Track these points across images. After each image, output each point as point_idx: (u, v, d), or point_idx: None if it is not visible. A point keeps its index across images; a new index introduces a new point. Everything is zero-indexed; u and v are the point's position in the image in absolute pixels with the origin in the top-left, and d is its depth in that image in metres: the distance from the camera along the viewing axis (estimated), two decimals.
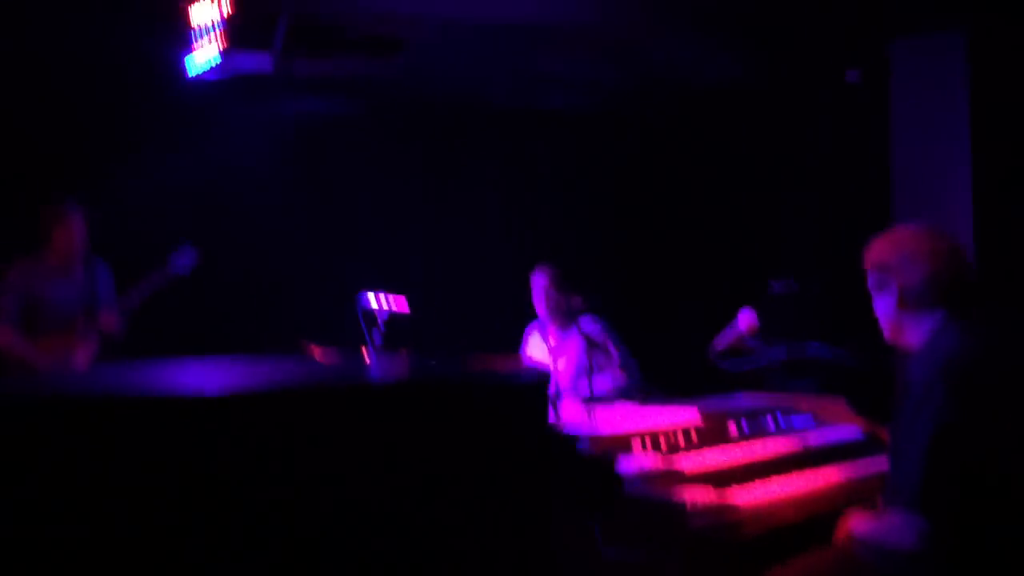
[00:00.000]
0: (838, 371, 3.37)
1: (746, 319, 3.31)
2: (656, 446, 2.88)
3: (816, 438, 3.18)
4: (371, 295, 4.57)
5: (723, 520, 2.46)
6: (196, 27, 4.76)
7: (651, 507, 2.40)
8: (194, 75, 4.87)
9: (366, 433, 1.95)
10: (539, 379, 1.59)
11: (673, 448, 2.91)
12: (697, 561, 2.36)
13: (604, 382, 4.58)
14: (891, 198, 5.03)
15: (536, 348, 4.93)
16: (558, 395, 4.28)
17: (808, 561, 2.44)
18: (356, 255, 6.20)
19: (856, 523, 2.38)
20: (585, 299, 4.89)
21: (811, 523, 2.64)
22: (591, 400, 3.94)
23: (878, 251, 2.47)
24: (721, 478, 2.74)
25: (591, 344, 4.52)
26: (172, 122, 5.55)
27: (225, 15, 4.61)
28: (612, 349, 4.75)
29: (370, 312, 4.54)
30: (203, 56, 4.85)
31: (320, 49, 5.19)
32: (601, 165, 6.56)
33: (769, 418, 3.26)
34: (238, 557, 1.86)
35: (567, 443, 2.58)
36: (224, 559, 1.87)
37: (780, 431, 3.21)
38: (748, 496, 2.65)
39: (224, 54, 4.82)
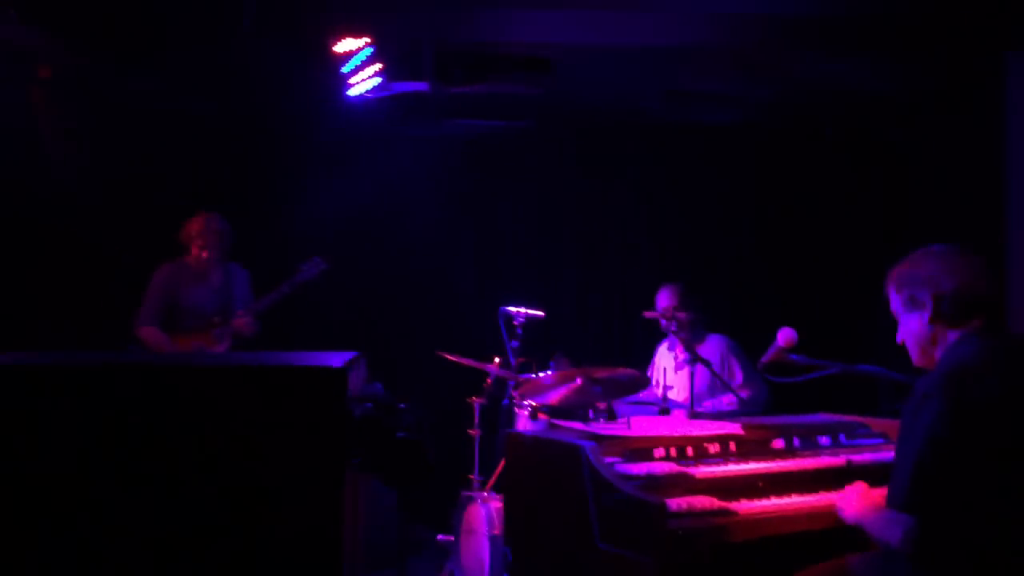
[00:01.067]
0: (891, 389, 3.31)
1: (785, 335, 3.33)
2: (682, 454, 3.00)
3: (865, 457, 3.14)
4: (512, 308, 4.91)
5: (707, 524, 2.56)
6: (357, 55, 5.32)
7: (636, 506, 2.55)
8: (354, 96, 5.44)
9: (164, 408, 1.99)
10: (340, 366, 1.70)
11: (701, 457, 3.01)
12: (673, 560, 2.48)
13: (726, 399, 4.68)
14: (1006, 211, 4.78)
15: (665, 361, 5.05)
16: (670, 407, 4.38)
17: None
18: (504, 269, 6.58)
19: (851, 508, 2.51)
20: (709, 317, 5.01)
21: (814, 538, 2.67)
22: (695, 414, 4.10)
23: (910, 268, 2.54)
24: (732, 488, 2.84)
25: (716, 361, 4.67)
26: (334, 142, 6.17)
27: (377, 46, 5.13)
28: (737, 368, 4.80)
29: (511, 324, 4.89)
30: (364, 81, 5.41)
31: (473, 72, 5.60)
32: (744, 177, 6.56)
33: (825, 437, 3.25)
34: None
35: (571, 450, 2.77)
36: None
37: (832, 448, 3.21)
38: (751, 506, 2.72)
39: (384, 78, 5.36)
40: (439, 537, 5.14)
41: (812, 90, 5.63)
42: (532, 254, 6.64)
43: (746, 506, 2.75)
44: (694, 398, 4.28)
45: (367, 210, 6.26)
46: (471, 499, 4.57)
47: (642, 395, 4.83)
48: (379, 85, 5.42)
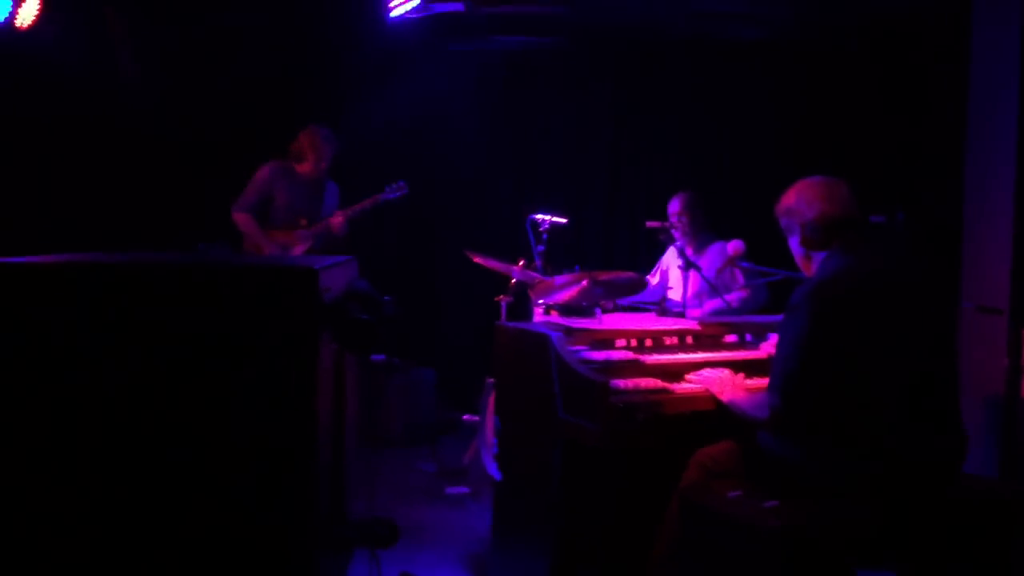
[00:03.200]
0: None
1: (733, 245, 3.89)
2: (641, 345, 3.65)
3: None
4: (539, 216, 5.51)
5: (645, 399, 3.23)
6: None
7: (587, 384, 3.22)
8: (397, 16, 6.03)
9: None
10: (316, 268, 2.18)
11: (657, 348, 3.66)
12: (614, 427, 3.14)
13: (717, 302, 5.23)
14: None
15: (671, 263, 5.61)
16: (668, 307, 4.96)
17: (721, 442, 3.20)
18: (537, 178, 7.18)
19: (726, 392, 3.21)
20: (713, 224, 5.54)
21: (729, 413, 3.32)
22: (672, 314, 4.69)
23: (784, 200, 3.18)
24: (678, 373, 3.49)
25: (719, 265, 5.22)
26: (379, 59, 6.77)
27: None
28: (738, 273, 5.35)
29: (538, 230, 5.48)
30: (404, 2, 6.00)
31: None
32: (768, 92, 6.97)
33: (776, 333, 3.85)
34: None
35: (542, 339, 3.44)
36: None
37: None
38: (686, 387, 3.38)
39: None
40: (465, 417, 5.89)
41: (825, 9, 6.01)
42: (563, 165, 7.22)
43: (683, 387, 3.40)
44: (687, 300, 4.87)
45: (411, 122, 6.90)
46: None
47: (647, 295, 5.47)
48: (418, 6, 6.02)
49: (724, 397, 3.21)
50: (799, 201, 3.10)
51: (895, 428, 2.86)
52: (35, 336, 2.18)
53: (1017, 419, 4.37)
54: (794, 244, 3.17)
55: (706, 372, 3.42)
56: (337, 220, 5.73)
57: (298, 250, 5.78)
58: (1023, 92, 4.68)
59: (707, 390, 3.34)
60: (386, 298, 2.66)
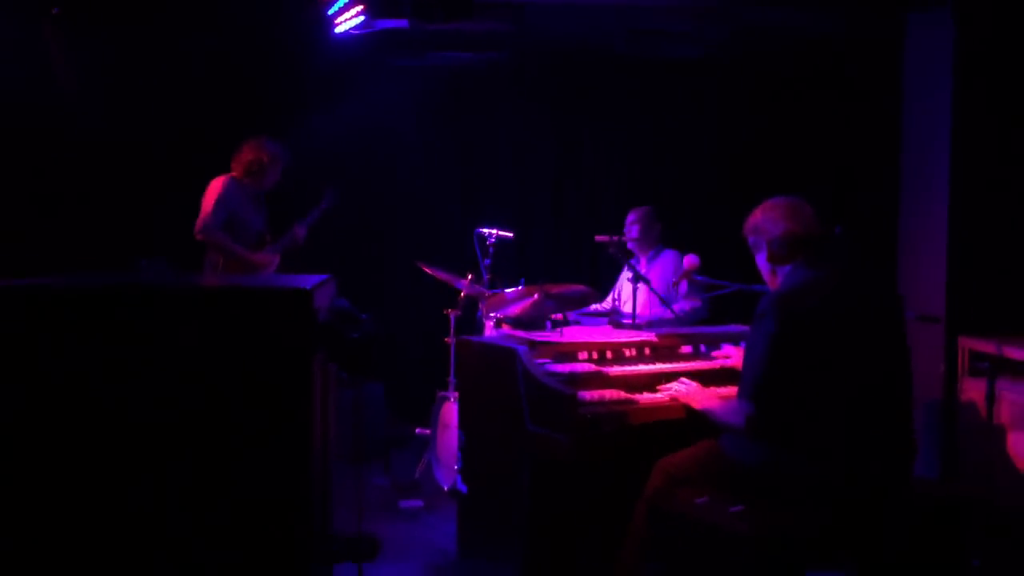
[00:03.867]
0: None
1: (688, 260, 4.06)
2: (602, 357, 3.77)
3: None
4: (486, 230, 5.60)
5: (610, 410, 3.34)
6: None
7: (556, 397, 3.32)
8: (339, 33, 6.07)
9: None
10: (309, 288, 2.25)
11: (618, 360, 3.78)
12: (582, 437, 3.25)
13: (673, 311, 5.40)
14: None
15: (623, 276, 5.76)
16: (618, 318, 5.09)
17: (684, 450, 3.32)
18: (482, 193, 7.29)
19: (698, 400, 3.36)
20: (663, 237, 5.71)
21: (693, 421, 3.45)
22: (622, 324, 4.82)
23: (751, 219, 3.35)
24: (639, 384, 3.61)
25: (669, 274, 5.38)
26: (324, 75, 6.80)
27: None
28: (684, 283, 5.51)
29: (484, 243, 5.57)
30: (348, 19, 6.04)
31: (448, 11, 6.22)
32: (706, 106, 7.22)
33: (729, 344, 4.00)
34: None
35: (509, 352, 3.53)
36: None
37: (729, 354, 3.96)
38: (650, 397, 3.50)
39: (367, 17, 5.99)
40: (417, 431, 5.94)
41: (761, 31, 6.27)
42: (508, 179, 7.33)
43: (647, 397, 3.52)
44: (636, 311, 5.01)
45: (357, 137, 6.93)
46: (446, 398, 5.32)
47: (599, 307, 5.61)
48: (362, 23, 6.06)
49: (698, 406, 3.34)
50: (765, 220, 3.27)
51: (854, 434, 3.02)
52: (24, 360, 2.18)
53: (955, 423, 4.61)
54: (761, 260, 3.34)
55: (675, 385, 3.55)
56: (301, 232, 5.69)
57: (272, 266, 5.65)
58: (956, 103, 4.93)
59: (673, 400, 3.48)
60: (363, 316, 2.72)
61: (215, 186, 5.37)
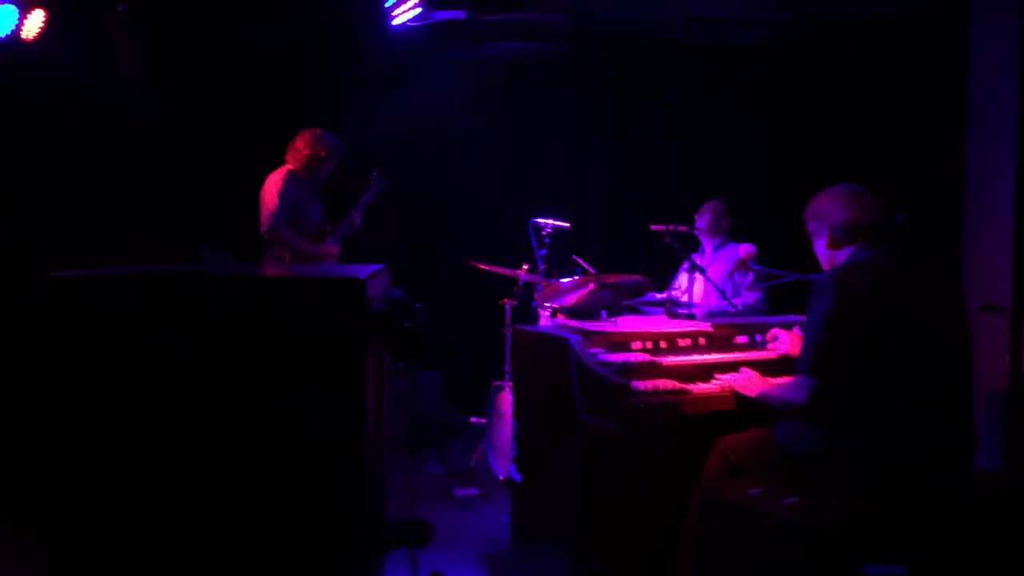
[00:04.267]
0: None
1: (744, 249, 4.02)
2: (656, 347, 3.76)
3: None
4: (542, 220, 5.61)
5: (664, 400, 3.33)
6: None
7: (608, 386, 3.32)
8: (397, 24, 6.12)
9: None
10: (363, 277, 2.29)
11: (672, 350, 3.77)
12: (635, 427, 3.25)
13: (723, 304, 5.36)
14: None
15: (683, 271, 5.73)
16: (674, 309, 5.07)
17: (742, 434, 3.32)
18: (538, 184, 7.29)
19: (753, 388, 3.36)
20: (737, 226, 5.68)
21: (750, 411, 3.44)
22: (677, 315, 4.79)
23: (813, 205, 3.36)
24: (692, 374, 3.60)
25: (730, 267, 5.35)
26: (378, 67, 6.85)
27: None
28: (749, 276, 5.47)
29: (540, 234, 5.58)
30: (405, 10, 6.10)
31: (505, 4, 6.25)
32: (766, 93, 7.12)
33: (779, 328, 3.97)
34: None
35: (562, 342, 3.54)
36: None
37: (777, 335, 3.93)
38: (704, 387, 3.49)
39: (424, 8, 6.04)
40: (473, 420, 5.99)
41: (822, 14, 6.17)
42: (564, 169, 7.33)
43: (700, 387, 3.51)
44: (692, 301, 4.98)
45: (413, 128, 6.97)
46: (501, 388, 5.36)
47: (657, 296, 5.59)
48: (420, 14, 6.11)
49: (753, 393, 3.34)
50: (828, 206, 3.28)
51: (911, 421, 2.99)
52: (94, 348, 2.25)
53: (1020, 415, 4.50)
54: (820, 246, 3.33)
55: (731, 375, 3.55)
56: (357, 218, 5.73)
57: (335, 256, 5.70)
58: (1023, 89, 4.81)
59: (728, 388, 3.48)
60: (417, 305, 2.75)
61: (274, 182, 5.44)
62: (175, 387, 2.26)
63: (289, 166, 5.54)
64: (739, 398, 3.42)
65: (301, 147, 5.55)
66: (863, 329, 3.00)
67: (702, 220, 5.61)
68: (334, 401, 2.23)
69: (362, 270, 2.56)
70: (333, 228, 5.65)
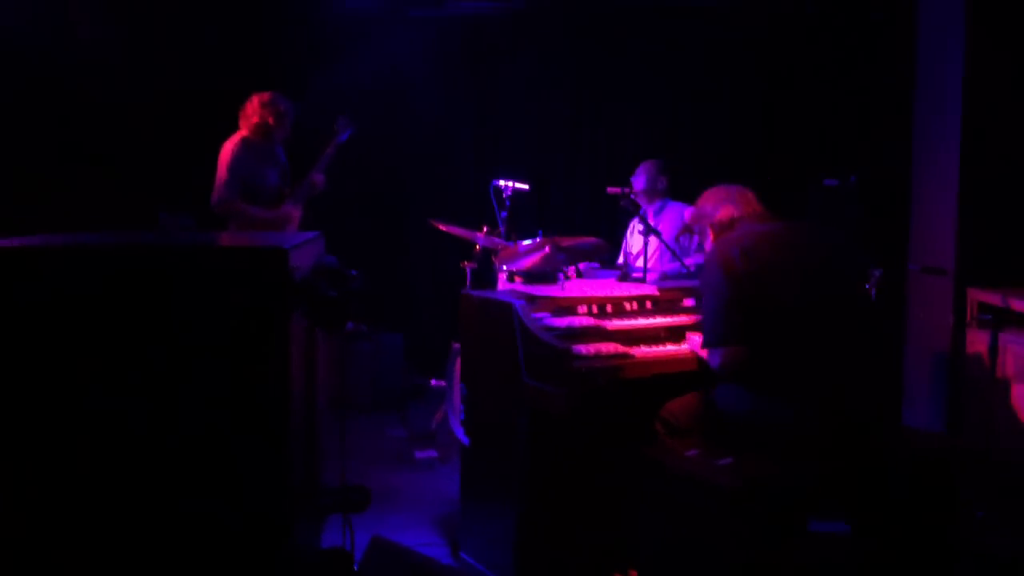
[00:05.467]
0: None
1: (690, 211, 4.03)
2: (602, 311, 3.78)
3: None
4: (502, 182, 5.58)
5: (606, 364, 3.36)
6: None
7: (550, 350, 3.34)
8: None
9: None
10: (286, 247, 2.30)
11: (618, 314, 3.79)
12: (577, 391, 3.27)
13: (675, 266, 5.38)
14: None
15: (635, 227, 5.75)
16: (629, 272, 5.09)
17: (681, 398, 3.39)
18: (499, 145, 7.27)
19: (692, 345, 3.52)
20: (676, 187, 5.68)
21: (693, 376, 3.48)
22: (626, 277, 4.81)
23: (695, 209, 3.61)
24: (639, 337, 3.63)
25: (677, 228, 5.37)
26: (336, 26, 6.79)
27: None
28: (695, 238, 5.48)
29: (501, 196, 5.56)
30: None
31: None
32: (727, 55, 7.12)
33: None
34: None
35: (506, 307, 3.56)
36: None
37: None
38: (647, 351, 3.52)
39: None
40: (433, 382, 6.01)
41: None
42: (525, 131, 7.31)
43: (644, 351, 3.54)
44: (648, 265, 5.00)
45: (372, 89, 6.92)
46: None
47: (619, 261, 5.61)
48: None
49: (700, 353, 3.43)
50: (706, 206, 3.52)
51: (820, 382, 3.11)
52: (10, 321, 2.23)
53: (962, 376, 4.57)
54: (707, 245, 3.53)
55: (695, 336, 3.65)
56: (319, 177, 5.64)
57: (295, 220, 5.61)
58: (969, 53, 4.82)
59: (670, 355, 3.53)
60: (352, 272, 2.75)
61: (225, 152, 5.37)
62: (93, 357, 2.25)
63: (243, 132, 5.46)
64: (699, 360, 3.51)
65: (250, 113, 5.45)
66: (756, 295, 3.14)
67: (638, 182, 5.59)
68: (253, 369, 2.24)
69: (290, 238, 2.56)
70: (291, 191, 5.58)
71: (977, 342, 4.27)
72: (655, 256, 5.49)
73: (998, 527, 3.92)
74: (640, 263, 5.33)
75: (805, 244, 3.29)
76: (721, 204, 3.47)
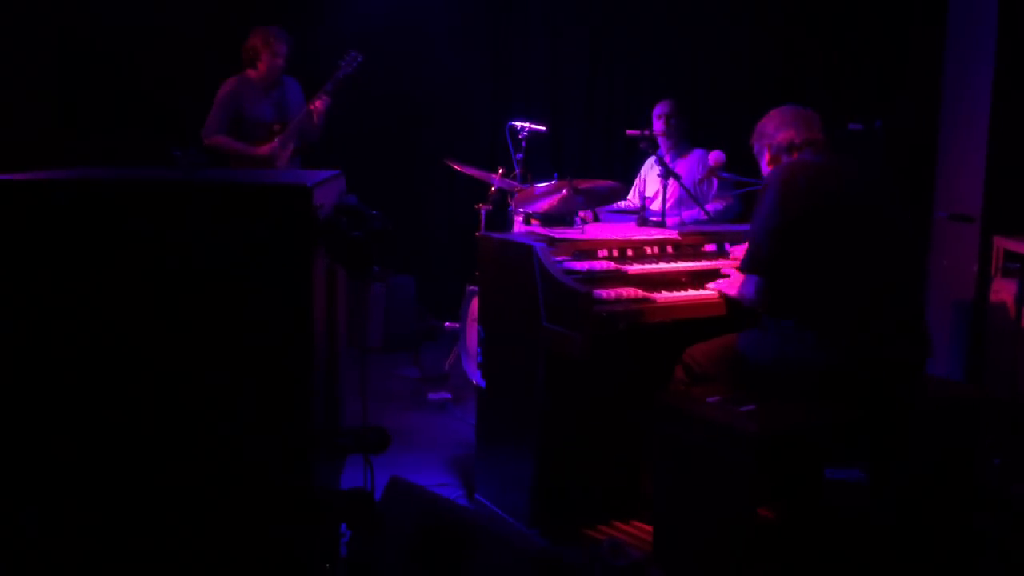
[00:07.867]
0: None
1: (714, 156, 3.96)
2: (622, 255, 3.73)
3: None
4: (518, 123, 5.50)
5: (627, 308, 3.32)
6: None
7: (570, 294, 3.30)
8: None
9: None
10: (310, 184, 2.24)
11: (638, 258, 3.74)
12: (596, 335, 3.24)
13: (695, 211, 5.30)
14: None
15: (649, 173, 5.67)
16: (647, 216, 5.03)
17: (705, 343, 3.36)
18: (514, 89, 7.15)
19: (731, 288, 3.42)
20: (695, 131, 5.58)
21: (715, 321, 3.44)
22: (645, 222, 4.75)
23: (757, 127, 3.47)
24: (660, 282, 3.59)
25: (697, 173, 5.27)
26: None
27: None
28: (715, 181, 5.40)
29: (517, 137, 5.48)
30: None
31: None
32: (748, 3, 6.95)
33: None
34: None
35: (526, 249, 3.50)
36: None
37: None
38: (669, 296, 3.48)
39: None
40: (447, 324, 5.99)
41: None
42: (541, 73, 7.19)
43: (664, 296, 3.49)
44: (666, 209, 4.93)
45: (387, 31, 6.80)
46: (475, 293, 5.34)
47: (627, 204, 5.53)
48: None
49: (733, 292, 3.38)
50: (768, 125, 3.40)
51: (860, 324, 3.04)
52: (21, 255, 2.20)
53: (985, 325, 4.53)
54: (763, 166, 3.42)
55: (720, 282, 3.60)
56: (316, 106, 5.54)
57: (284, 156, 5.59)
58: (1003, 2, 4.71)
59: (692, 300, 3.48)
60: (374, 212, 2.70)
61: (221, 88, 5.42)
62: (111, 294, 2.21)
63: (245, 68, 5.48)
64: (726, 300, 3.49)
65: (246, 48, 5.46)
66: (806, 226, 3.08)
67: (659, 124, 5.47)
68: (278, 308, 2.20)
69: (311, 176, 2.50)
70: (282, 128, 5.53)
71: (1002, 291, 4.21)
72: (672, 200, 5.42)
73: (1017, 475, 3.91)
74: (655, 206, 5.27)
75: (867, 182, 3.23)
76: (784, 127, 3.36)
